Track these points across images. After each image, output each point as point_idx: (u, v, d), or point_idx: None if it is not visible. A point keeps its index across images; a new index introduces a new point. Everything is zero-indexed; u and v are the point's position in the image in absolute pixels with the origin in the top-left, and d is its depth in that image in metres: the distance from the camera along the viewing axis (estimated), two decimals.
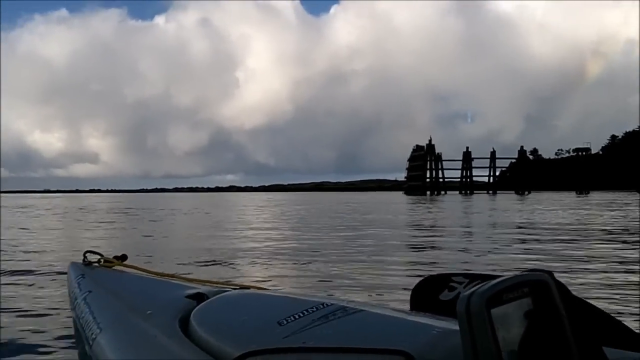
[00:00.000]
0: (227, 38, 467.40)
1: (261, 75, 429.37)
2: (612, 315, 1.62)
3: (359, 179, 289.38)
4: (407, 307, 1.87)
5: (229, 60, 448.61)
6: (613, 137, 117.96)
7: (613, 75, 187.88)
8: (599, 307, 1.61)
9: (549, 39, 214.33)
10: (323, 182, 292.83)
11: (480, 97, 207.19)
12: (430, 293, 1.81)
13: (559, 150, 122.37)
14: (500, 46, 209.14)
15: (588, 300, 1.57)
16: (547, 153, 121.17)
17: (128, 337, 1.97)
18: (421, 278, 1.89)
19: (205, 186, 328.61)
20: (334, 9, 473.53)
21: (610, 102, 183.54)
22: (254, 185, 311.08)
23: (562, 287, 1.29)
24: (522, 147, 77.61)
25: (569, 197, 59.40)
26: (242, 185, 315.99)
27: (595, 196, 58.12)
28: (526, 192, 71.88)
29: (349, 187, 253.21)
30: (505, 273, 1.22)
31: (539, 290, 1.23)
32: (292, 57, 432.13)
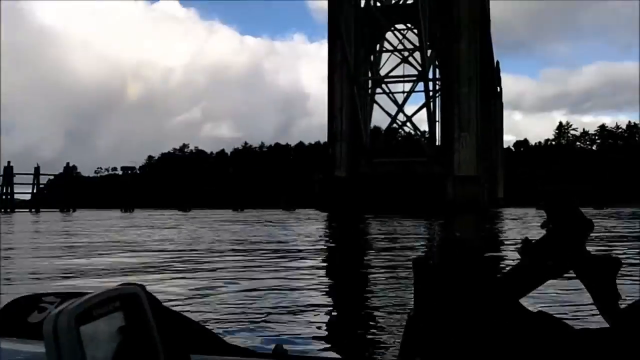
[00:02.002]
0: None
1: None
2: (202, 323, 1.74)
3: None
4: None
5: None
6: (150, 157, 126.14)
7: (152, 99, 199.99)
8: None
9: (93, 56, 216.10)
10: None
11: (19, 109, 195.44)
12: (17, 316, 1.70)
13: (98, 168, 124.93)
14: (42, 58, 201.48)
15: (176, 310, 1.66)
16: (87, 171, 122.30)
17: None
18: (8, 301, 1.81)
19: None
20: None
21: (148, 124, 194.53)
22: None
23: (153, 299, 1.34)
24: (68, 163, 76.71)
25: (115, 214, 61.36)
26: None
27: (138, 214, 62.33)
28: (71, 210, 71.26)
29: None
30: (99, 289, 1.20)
31: (131, 303, 1.23)
32: None
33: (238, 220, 39.29)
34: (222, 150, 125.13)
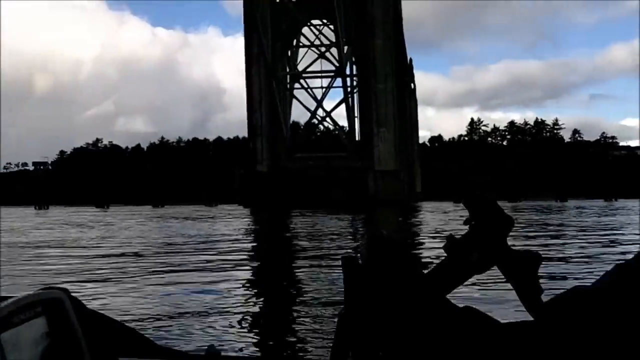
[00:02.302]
0: None
1: None
2: (126, 324, 1.77)
3: None
4: None
5: None
6: (62, 152, 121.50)
7: (61, 92, 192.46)
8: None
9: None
10: None
11: None
12: None
13: (7, 164, 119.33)
14: None
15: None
16: None
17: None
18: None
19: None
20: None
21: (58, 118, 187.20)
22: None
23: (77, 302, 1.32)
24: None
25: (29, 212, 59.02)
26: None
27: (55, 211, 60.09)
28: None
29: None
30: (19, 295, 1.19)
31: (53, 308, 1.21)
32: None
33: (157, 217, 38.73)
34: (138, 145, 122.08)
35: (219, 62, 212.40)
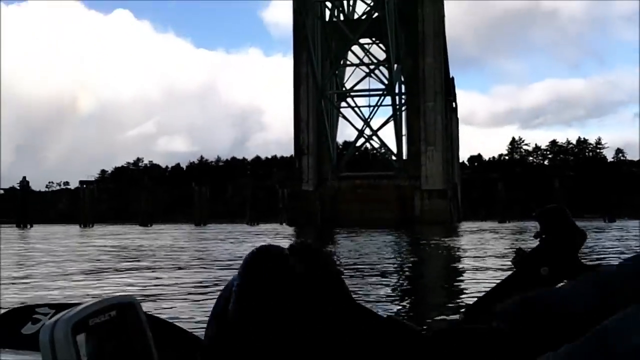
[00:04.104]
0: None
1: None
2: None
3: None
4: None
5: None
6: (103, 171, 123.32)
7: (104, 112, 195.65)
8: None
9: (43, 69, 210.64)
10: None
11: None
12: (11, 327, 1.70)
13: (49, 182, 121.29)
14: None
15: None
16: (38, 185, 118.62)
17: None
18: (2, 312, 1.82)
19: None
20: None
21: (100, 138, 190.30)
22: None
23: (146, 313, 1.38)
24: (24, 177, 74.18)
25: (74, 230, 59.51)
26: None
27: (101, 229, 60.68)
28: (28, 226, 68.83)
29: None
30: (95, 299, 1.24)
31: (127, 313, 1.27)
32: None
33: (206, 235, 38.56)
34: (178, 165, 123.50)
35: (259, 83, 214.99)
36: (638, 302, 0.99)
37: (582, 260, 1.36)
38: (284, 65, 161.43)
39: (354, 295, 1.33)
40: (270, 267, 1.26)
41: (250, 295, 1.23)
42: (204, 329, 1.27)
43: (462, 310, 1.49)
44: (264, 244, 1.34)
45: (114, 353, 1.22)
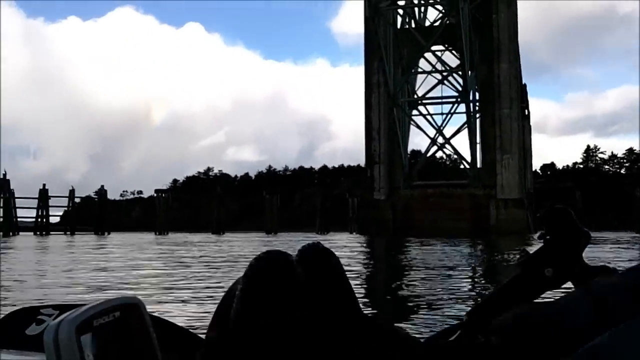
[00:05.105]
0: None
1: None
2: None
3: None
4: None
5: None
6: (175, 180, 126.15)
7: (176, 122, 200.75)
8: None
9: (117, 81, 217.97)
10: None
11: (44, 133, 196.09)
12: (15, 328, 1.70)
13: (123, 191, 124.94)
14: (66, 83, 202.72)
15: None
16: (112, 194, 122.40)
17: None
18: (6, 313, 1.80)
19: None
20: None
21: (172, 148, 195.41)
22: None
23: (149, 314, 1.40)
24: (102, 186, 76.40)
25: (143, 238, 60.65)
26: None
27: (173, 235, 61.78)
28: (106, 233, 70.84)
29: None
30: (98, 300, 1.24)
31: (131, 313, 1.27)
32: None
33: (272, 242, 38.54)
34: (247, 174, 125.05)
35: (326, 93, 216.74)
36: (633, 317, 0.99)
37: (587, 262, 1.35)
38: (351, 75, 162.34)
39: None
40: (274, 272, 1.28)
41: (253, 299, 1.26)
42: None
43: (466, 312, 1.46)
44: (270, 248, 1.35)
45: (118, 354, 1.22)
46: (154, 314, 1.47)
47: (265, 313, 1.24)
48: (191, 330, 1.76)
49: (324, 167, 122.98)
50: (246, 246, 31.95)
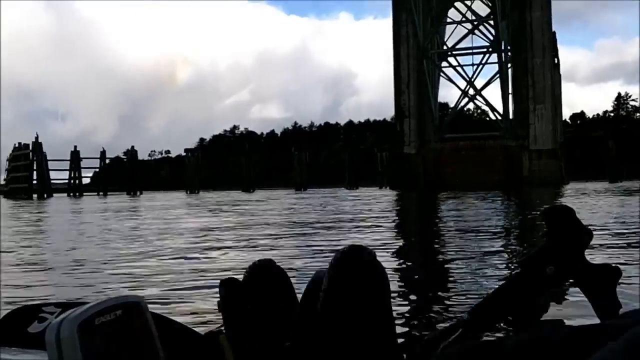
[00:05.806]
0: None
1: None
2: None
3: None
4: None
5: None
6: (202, 139, 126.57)
7: (201, 82, 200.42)
8: None
9: (141, 42, 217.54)
10: None
11: (71, 96, 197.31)
12: (17, 326, 1.71)
13: (152, 151, 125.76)
14: (92, 47, 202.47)
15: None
16: (140, 154, 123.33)
17: None
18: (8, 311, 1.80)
19: None
20: None
21: (198, 108, 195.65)
22: None
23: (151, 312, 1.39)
24: (132, 147, 76.78)
25: (179, 197, 61.03)
26: None
27: (204, 194, 62.04)
28: (138, 193, 71.52)
29: None
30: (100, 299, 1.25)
31: (133, 312, 1.27)
32: None
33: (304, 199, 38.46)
34: (272, 131, 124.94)
35: (350, 47, 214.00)
36: None
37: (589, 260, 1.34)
38: (375, 28, 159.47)
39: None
40: (359, 272, 1.33)
41: (338, 298, 1.32)
42: None
43: (467, 310, 1.45)
44: (354, 244, 1.38)
45: (120, 352, 1.23)
46: (156, 312, 1.47)
47: (349, 312, 1.28)
48: (193, 329, 1.76)
49: (350, 122, 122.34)
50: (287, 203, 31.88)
